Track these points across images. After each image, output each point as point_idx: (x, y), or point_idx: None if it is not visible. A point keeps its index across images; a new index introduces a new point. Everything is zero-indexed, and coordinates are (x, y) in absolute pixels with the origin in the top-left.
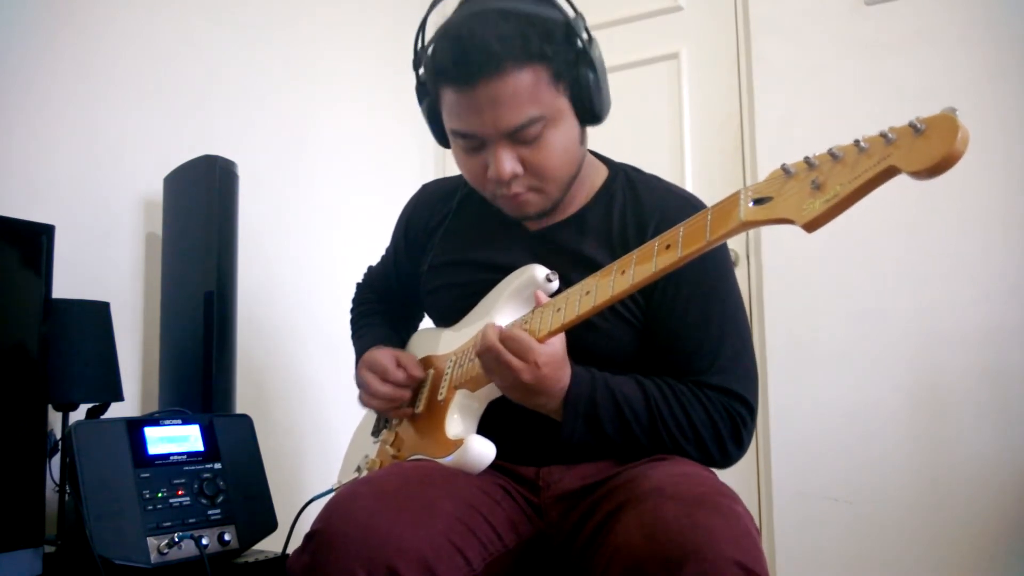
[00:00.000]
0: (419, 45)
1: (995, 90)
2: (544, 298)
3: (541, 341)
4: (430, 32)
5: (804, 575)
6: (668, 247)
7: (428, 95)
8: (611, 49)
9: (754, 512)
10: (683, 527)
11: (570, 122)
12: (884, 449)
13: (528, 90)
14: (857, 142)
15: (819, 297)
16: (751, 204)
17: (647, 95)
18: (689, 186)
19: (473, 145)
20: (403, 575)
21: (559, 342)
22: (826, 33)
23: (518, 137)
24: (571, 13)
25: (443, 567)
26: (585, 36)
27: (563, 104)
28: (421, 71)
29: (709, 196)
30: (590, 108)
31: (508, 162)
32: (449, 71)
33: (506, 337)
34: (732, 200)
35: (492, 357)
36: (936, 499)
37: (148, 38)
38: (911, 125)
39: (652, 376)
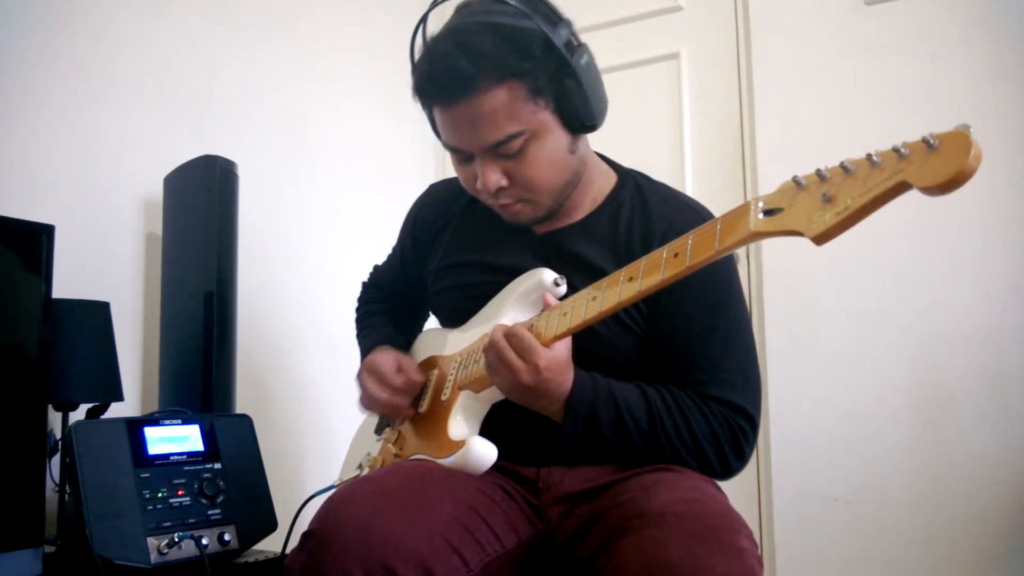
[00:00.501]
0: (413, 63)
1: (995, 90)
2: (552, 301)
3: (547, 345)
4: (419, 49)
5: (804, 575)
6: (676, 255)
7: (426, 108)
8: (611, 49)
9: (754, 512)
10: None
11: (556, 134)
12: (884, 449)
13: (505, 108)
14: (870, 156)
15: (819, 297)
16: (761, 215)
17: (647, 95)
18: (689, 186)
19: (462, 157)
20: (400, 575)
21: (564, 347)
22: (826, 33)
23: (500, 152)
24: (555, 20)
25: (440, 567)
26: (573, 42)
27: (545, 117)
28: None
29: (709, 197)
30: (578, 119)
31: (492, 175)
32: (428, 91)
33: (510, 334)
34: (742, 210)
35: (495, 354)
36: (936, 499)
37: (148, 38)
38: (924, 141)
39: (656, 384)
